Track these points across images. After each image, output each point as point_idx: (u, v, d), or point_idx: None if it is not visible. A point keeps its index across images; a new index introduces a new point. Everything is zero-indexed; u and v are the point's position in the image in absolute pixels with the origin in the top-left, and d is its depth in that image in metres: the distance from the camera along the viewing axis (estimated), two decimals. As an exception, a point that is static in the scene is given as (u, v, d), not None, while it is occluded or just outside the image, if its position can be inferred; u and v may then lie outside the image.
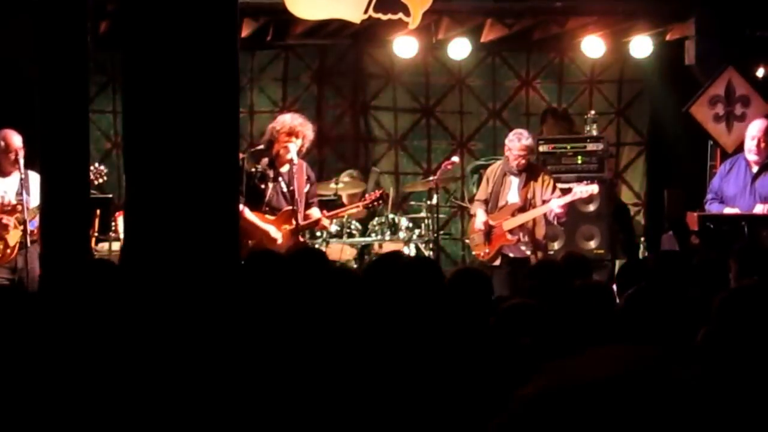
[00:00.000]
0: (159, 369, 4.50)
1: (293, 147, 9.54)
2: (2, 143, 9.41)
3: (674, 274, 6.41)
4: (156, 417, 4.26)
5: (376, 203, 10.16)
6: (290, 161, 9.54)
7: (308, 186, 9.81)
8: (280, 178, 9.68)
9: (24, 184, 9.21)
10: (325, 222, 9.98)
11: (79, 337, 4.66)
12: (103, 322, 4.84)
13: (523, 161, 10.67)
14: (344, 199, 11.75)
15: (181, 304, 5.26)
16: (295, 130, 9.55)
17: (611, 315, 4.96)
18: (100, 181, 9.92)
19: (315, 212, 9.86)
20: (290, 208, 9.55)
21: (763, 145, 10.35)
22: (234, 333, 5.02)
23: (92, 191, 9.74)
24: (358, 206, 10.27)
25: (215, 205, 5.68)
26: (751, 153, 10.35)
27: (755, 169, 10.32)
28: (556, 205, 10.52)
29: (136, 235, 5.78)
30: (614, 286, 6.54)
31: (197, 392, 4.36)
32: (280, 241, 9.51)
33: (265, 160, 9.67)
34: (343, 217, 11.00)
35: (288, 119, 9.68)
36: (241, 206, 9.33)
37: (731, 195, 10.31)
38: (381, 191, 10.25)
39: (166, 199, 5.60)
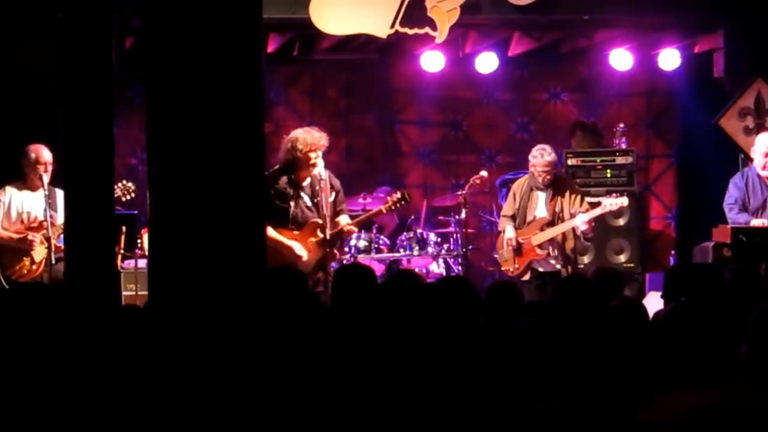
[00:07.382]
0: (184, 385, 4.47)
1: (320, 161, 9.49)
2: (32, 156, 9.46)
3: (713, 289, 6.30)
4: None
5: (398, 204, 10.03)
6: (318, 175, 9.50)
7: (333, 195, 9.65)
8: (302, 193, 9.56)
9: (48, 200, 9.23)
10: (350, 228, 9.76)
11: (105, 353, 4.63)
12: (129, 340, 4.81)
13: (548, 177, 10.62)
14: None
15: (207, 321, 5.22)
16: (317, 145, 9.44)
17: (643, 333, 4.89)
18: (128, 198, 9.91)
19: (343, 219, 9.72)
20: (316, 220, 9.47)
21: None
22: (259, 349, 4.99)
23: (120, 207, 9.73)
24: (380, 209, 10.15)
25: (240, 220, 5.62)
26: (764, 170, 10.22)
27: None
28: (580, 221, 10.43)
29: (160, 253, 5.73)
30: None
31: (220, 408, 4.34)
32: (305, 257, 9.40)
33: (284, 179, 9.51)
34: (366, 221, 10.79)
35: (307, 136, 9.48)
36: None
37: (753, 209, 10.20)
38: (402, 191, 10.12)
39: (190, 215, 5.55)
